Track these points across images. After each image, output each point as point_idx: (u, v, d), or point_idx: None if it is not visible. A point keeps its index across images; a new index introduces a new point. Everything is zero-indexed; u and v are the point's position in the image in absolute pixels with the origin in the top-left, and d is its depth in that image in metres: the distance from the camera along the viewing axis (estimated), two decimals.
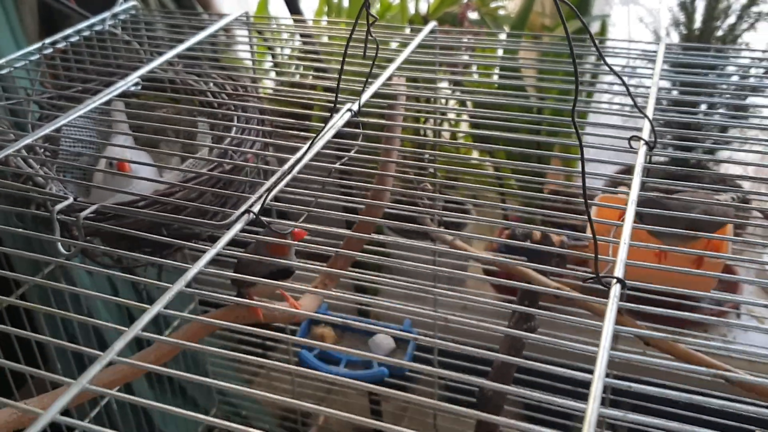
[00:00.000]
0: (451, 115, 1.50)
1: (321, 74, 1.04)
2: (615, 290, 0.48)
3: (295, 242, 0.64)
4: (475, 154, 1.49)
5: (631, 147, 0.64)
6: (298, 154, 0.65)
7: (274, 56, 1.41)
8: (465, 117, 1.48)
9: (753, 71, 0.94)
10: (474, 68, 1.29)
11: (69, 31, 0.98)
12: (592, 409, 0.41)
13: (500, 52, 1.35)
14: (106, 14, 1.00)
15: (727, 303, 1.25)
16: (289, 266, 0.64)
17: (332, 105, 0.60)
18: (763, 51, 0.91)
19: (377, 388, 0.46)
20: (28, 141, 0.73)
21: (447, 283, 1.36)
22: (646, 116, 0.64)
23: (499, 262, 0.77)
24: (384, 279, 0.59)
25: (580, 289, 0.74)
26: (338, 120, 0.70)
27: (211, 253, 0.56)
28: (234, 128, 0.83)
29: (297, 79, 1.19)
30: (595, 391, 0.42)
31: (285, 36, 1.35)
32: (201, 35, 0.95)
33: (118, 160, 0.82)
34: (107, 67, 0.94)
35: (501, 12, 1.58)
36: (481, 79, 1.27)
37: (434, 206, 1.00)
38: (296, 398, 1.39)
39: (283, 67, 1.39)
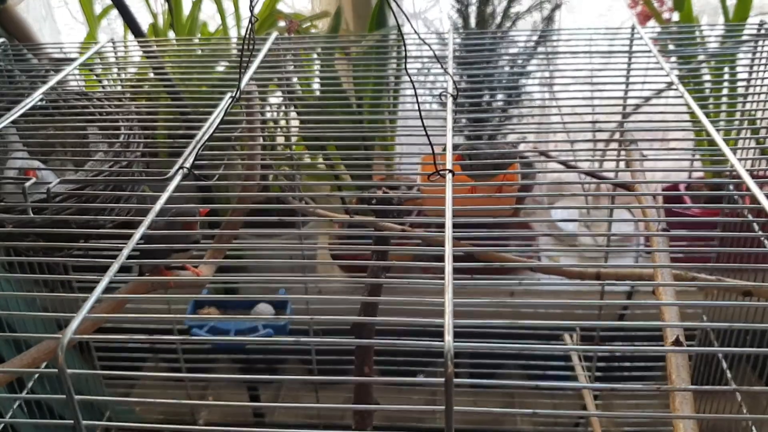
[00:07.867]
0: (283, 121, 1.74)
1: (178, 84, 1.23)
2: (449, 177, 0.73)
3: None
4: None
5: (441, 100, 0.90)
6: (206, 126, 0.85)
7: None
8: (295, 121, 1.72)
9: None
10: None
11: None
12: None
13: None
14: None
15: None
16: (196, 238, 0.87)
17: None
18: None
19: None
20: None
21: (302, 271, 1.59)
22: (447, 72, 0.91)
23: (366, 221, 1.01)
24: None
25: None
26: (225, 104, 0.90)
27: (157, 206, 0.73)
28: (121, 131, 1.02)
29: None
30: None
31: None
32: (78, 62, 1.10)
33: (26, 169, 0.97)
34: None
35: (313, 31, 1.85)
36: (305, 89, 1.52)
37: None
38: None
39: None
